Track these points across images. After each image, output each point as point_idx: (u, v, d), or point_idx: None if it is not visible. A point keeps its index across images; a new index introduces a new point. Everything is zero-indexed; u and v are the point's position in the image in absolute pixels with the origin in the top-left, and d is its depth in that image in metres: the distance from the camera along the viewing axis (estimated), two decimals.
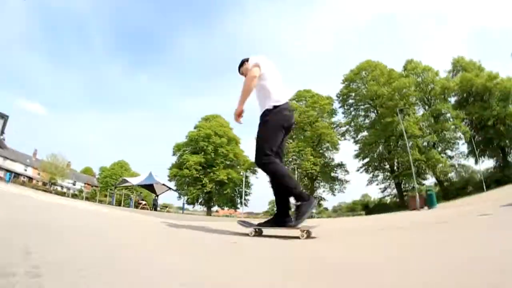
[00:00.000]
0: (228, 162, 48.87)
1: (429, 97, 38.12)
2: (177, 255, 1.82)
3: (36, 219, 3.09)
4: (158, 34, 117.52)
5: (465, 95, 36.39)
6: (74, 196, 53.76)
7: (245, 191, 47.55)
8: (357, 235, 3.69)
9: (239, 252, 2.12)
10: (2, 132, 44.07)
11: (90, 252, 1.59)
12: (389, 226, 4.85)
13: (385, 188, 40.57)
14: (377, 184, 41.08)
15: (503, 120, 32.83)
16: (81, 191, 58.40)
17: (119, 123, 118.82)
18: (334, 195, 42.64)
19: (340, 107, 44.01)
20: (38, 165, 58.07)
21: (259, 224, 3.27)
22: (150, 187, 38.32)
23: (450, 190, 32.67)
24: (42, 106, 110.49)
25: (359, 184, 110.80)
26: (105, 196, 54.06)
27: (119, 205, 36.17)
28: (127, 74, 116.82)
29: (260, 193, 59.98)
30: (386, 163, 39.83)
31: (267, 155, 3.05)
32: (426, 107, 38.59)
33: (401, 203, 34.47)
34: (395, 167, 38.48)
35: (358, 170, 41.47)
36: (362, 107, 42.66)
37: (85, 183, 66.57)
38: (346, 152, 70.79)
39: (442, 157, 34.88)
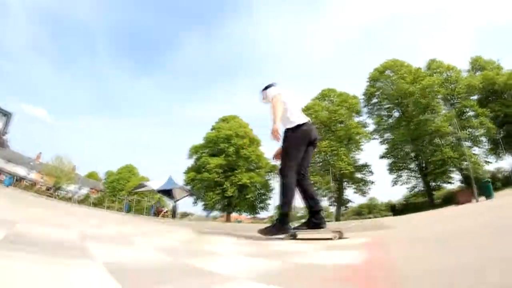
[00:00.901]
0: (250, 165, 45.40)
1: (454, 95, 38.18)
2: None
3: None
4: (162, 38, 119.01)
5: (486, 93, 36.83)
6: (80, 202, 50.07)
7: (268, 196, 46.36)
8: None
9: None
10: (5, 132, 40.09)
11: None
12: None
13: (413, 188, 40.28)
14: (401, 184, 40.72)
15: None
16: (87, 196, 54.63)
17: (123, 128, 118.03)
18: (364, 195, 41.63)
19: (364, 106, 43.34)
20: (41, 169, 54.18)
21: (294, 228, 3.60)
22: (167, 192, 34.53)
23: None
24: (46, 111, 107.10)
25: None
26: (113, 202, 50.52)
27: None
28: (131, 80, 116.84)
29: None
30: (412, 163, 39.78)
31: (289, 169, 3.57)
32: (448, 105, 38.31)
33: (430, 202, 34.75)
34: (424, 166, 38.31)
35: (389, 170, 40.85)
36: (385, 106, 42.10)
37: (90, 188, 62.59)
38: (368, 152, 68.37)
39: (474, 154, 35.13)
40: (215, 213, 47.09)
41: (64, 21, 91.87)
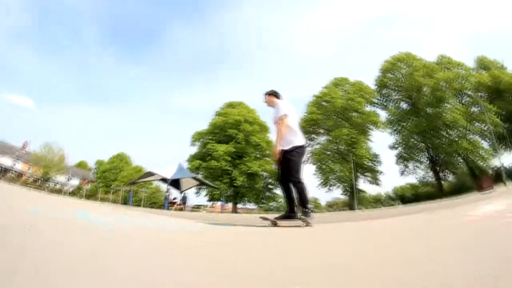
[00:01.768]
0: (260, 153, 42.75)
1: (462, 91, 38.88)
2: None
3: None
4: (151, 26, 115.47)
5: (493, 91, 38.11)
6: (72, 194, 46.19)
7: (276, 185, 43.23)
8: None
9: None
10: None
11: None
12: None
13: (423, 178, 40.91)
14: (409, 175, 41.20)
15: None
16: (79, 188, 50.72)
17: (111, 117, 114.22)
18: (378, 185, 41.49)
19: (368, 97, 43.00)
20: (28, 159, 49.84)
21: (276, 218, 4.70)
22: (175, 182, 31.48)
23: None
24: (30, 99, 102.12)
25: None
26: (107, 193, 46.94)
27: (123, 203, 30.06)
28: (119, 67, 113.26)
29: None
30: (421, 154, 40.41)
31: (297, 177, 4.53)
32: (458, 100, 39.32)
33: (439, 191, 35.38)
34: (434, 157, 39.27)
35: (397, 160, 41.35)
36: (395, 97, 42.49)
37: (81, 179, 58.54)
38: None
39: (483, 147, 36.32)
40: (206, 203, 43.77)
41: (49, 5, 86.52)
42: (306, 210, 4.45)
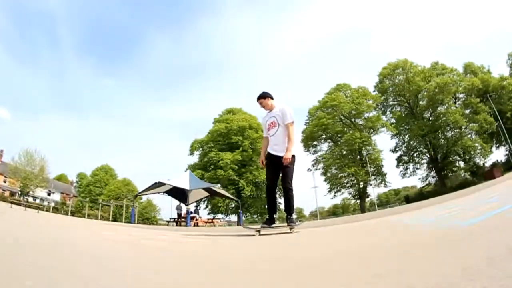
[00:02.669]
0: None
1: (456, 94, 41.41)
2: None
3: None
4: (129, 35, 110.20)
5: (483, 93, 40.22)
6: (55, 209, 41.25)
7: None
8: None
9: None
10: None
11: None
12: None
13: (426, 177, 42.52)
14: (409, 176, 42.65)
15: None
16: (63, 203, 45.74)
17: (90, 128, 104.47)
18: (386, 187, 42.12)
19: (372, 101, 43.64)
20: (4, 170, 44.56)
21: (262, 227, 4.57)
22: (180, 194, 28.24)
23: (479, 175, 36.04)
24: (5, 110, 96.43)
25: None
26: (92, 209, 42.57)
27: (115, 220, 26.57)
28: (96, 77, 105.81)
29: None
30: (422, 155, 42.23)
31: (291, 185, 4.59)
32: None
33: (442, 190, 34.66)
34: (436, 158, 40.32)
35: (397, 165, 42.67)
36: (391, 102, 44.37)
37: (61, 193, 53.28)
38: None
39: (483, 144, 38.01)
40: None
41: (25, 10, 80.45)
42: (293, 217, 4.62)
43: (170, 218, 30.19)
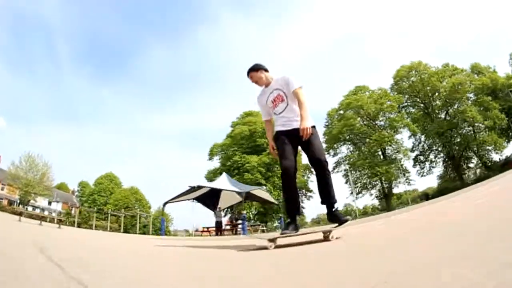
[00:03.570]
0: None
1: (468, 93, 42.79)
2: None
3: None
4: (126, 46, 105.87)
5: (492, 91, 42.39)
6: (60, 221, 37.40)
7: (308, 196, 41.99)
8: None
9: None
10: None
11: None
12: None
13: (445, 175, 43.82)
14: (426, 175, 43.41)
15: None
16: (68, 213, 41.78)
17: (89, 136, 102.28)
18: (409, 184, 42.46)
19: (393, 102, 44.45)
20: (1, 177, 40.63)
21: (282, 234, 3.19)
22: (210, 200, 25.49)
23: (493, 169, 37.26)
24: (2, 118, 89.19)
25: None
26: (100, 219, 39.09)
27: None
28: (92, 87, 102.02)
29: None
30: (440, 153, 43.54)
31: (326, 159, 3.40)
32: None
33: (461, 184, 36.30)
34: (453, 154, 41.49)
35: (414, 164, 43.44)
36: (405, 103, 45.45)
37: (63, 202, 49.27)
38: None
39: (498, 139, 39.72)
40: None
41: (22, 16, 78.74)
42: (337, 210, 3.30)
43: (203, 227, 27.44)
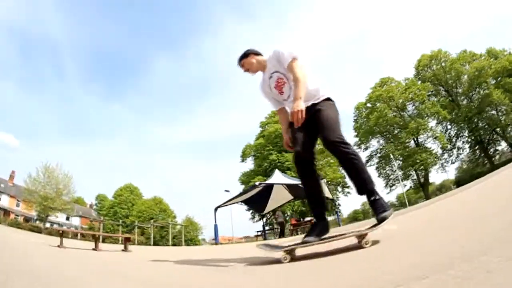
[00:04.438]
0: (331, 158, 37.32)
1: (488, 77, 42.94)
2: None
3: None
4: (132, 60, 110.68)
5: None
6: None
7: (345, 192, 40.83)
8: None
9: None
10: None
11: None
12: None
13: (473, 159, 44.40)
14: (454, 162, 43.71)
15: None
16: (91, 227, 38.99)
17: (99, 151, 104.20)
18: (444, 171, 42.47)
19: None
20: (17, 193, 37.91)
21: (303, 242, 2.60)
22: (261, 197, 22.94)
23: None
24: (14, 137, 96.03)
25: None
26: (123, 232, 36.44)
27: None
28: (101, 103, 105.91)
29: None
30: (467, 138, 43.56)
31: (342, 136, 2.65)
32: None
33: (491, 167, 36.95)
34: (481, 139, 41.63)
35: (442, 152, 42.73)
36: (428, 92, 44.39)
37: (81, 216, 46.56)
38: None
39: None
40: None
41: (30, 38, 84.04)
42: (376, 201, 2.52)
43: (257, 231, 25.35)
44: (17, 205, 39.18)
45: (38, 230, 29.73)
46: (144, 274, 2.93)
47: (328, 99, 2.87)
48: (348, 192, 40.03)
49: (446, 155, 43.29)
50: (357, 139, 42.84)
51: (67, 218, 43.32)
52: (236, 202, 24.12)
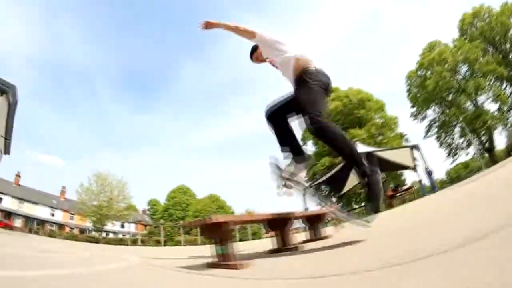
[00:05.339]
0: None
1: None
2: None
3: None
4: (158, 71, 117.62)
5: None
6: (159, 242, 32.88)
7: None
8: None
9: None
10: (8, 127, 21.17)
11: None
12: None
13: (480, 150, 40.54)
14: (450, 151, 40.43)
15: None
16: (151, 232, 37.83)
17: (135, 161, 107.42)
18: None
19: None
20: (69, 207, 37.20)
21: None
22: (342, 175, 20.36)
23: None
24: (58, 158, 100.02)
25: None
26: (185, 233, 35.00)
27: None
28: (133, 115, 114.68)
29: None
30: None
31: (321, 115, 2.49)
32: None
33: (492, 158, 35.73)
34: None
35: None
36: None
37: (135, 223, 45.73)
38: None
39: None
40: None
41: (62, 68, 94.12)
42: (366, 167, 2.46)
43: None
44: (71, 218, 38.91)
45: (95, 241, 28.43)
46: None
47: (302, 76, 2.73)
48: None
49: (446, 147, 41.05)
50: (413, 109, 41.10)
51: (122, 226, 42.30)
52: (317, 184, 21.73)
